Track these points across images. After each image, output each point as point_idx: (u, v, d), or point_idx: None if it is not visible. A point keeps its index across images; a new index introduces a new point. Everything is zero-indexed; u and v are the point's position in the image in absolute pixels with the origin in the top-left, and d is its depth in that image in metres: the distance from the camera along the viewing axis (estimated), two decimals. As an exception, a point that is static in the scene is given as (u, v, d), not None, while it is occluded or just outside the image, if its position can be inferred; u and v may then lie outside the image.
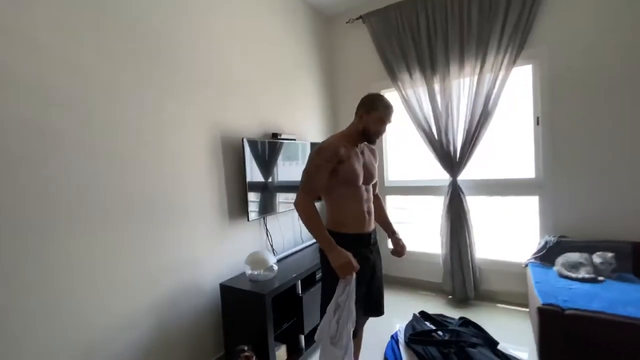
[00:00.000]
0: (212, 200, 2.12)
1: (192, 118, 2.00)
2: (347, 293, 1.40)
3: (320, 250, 1.53)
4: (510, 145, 2.78)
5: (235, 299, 1.97)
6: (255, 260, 2.01)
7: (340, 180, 1.49)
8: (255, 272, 2.02)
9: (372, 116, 1.52)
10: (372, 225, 1.63)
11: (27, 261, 1.32)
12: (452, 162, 2.83)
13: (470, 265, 2.76)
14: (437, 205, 3.02)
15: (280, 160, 2.53)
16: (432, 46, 2.81)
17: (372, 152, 1.72)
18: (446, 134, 2.83)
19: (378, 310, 1.69)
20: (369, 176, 1.60)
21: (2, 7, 1.28)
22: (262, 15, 2.60)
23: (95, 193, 1.54)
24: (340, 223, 1.54)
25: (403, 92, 2.99)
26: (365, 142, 1.62)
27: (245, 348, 1.72)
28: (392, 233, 1.79)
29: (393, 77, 3.02)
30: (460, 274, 2.80)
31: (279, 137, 2.56)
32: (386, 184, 3.32)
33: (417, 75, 2.92)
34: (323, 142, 1.51)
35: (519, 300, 2.63)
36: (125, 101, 1.67)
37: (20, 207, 1.31)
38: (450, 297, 2.89)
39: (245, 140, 2.18)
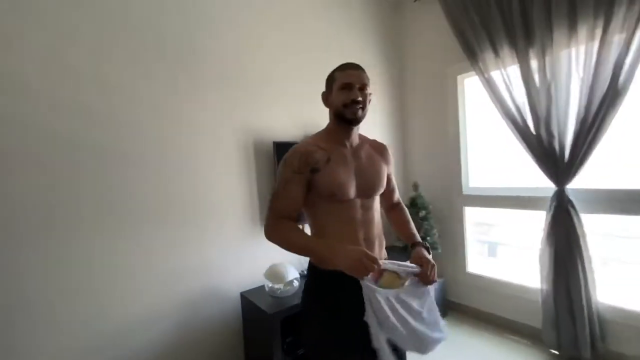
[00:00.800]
0: (244, 205, 2.03)
1: (222, 124, 1.96)
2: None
3: (304, 293, 1.16)
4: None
5: (251, 312, 1.82)
6: (273, 273, 1.81)
7: (319, 196, 1.10)
8: (275, 287, 1.82)
9: (334, 90, 1.13)
10: (379, 257, 1.08)
11: (76, 254, 1.46)
12: (558, 164, 2.04)
13: (586, 311, 1.92)
14: (536, 222, 2.24)
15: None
16: (526, 7, 2.08)
17: (380, 151, 1.27)
18: (547, 127, 2.06)
19: None
20: (367, 186, 1.15)
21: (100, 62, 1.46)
22: (307, 4, 2.41)
23: (132, 198, 1.64)
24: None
25: (486, 75, 2.32)
26: (366, 140, 1.26)
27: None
28: (412, 245, 1.21)
29: (473, 57, 2.38)
30: (570, 323, 1.98)
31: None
32: (465, 192, 2.66)
33: (505, 50, 2.22)
34: (291, 149, 1.13)
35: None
36: (164, 113, 1.75)
37: (84, 209, 1.50)
38: (556, 352, 2.08)
39: (274, 144, 2.03)
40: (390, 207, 1.39)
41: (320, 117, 2.27)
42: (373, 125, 2.81)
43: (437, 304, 2.62)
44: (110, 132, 1.59)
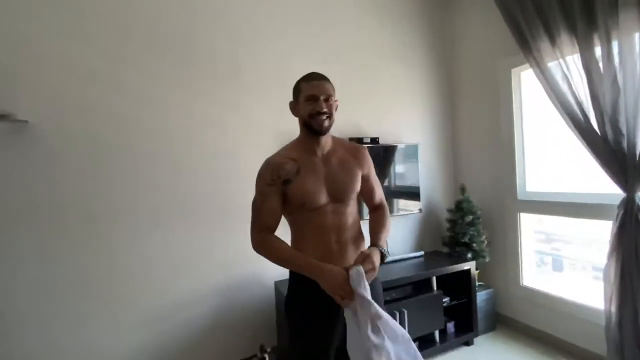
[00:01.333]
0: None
1: (258, 131, 2.19)
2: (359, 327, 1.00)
3: (287, 298, 1.23)
4: None
5: (281, 300, 2.01)
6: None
7: (291, 204, 1.16)
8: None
9: (300, 101, 1.17)
10: (349, 258, 1.15)
11: (136, 245, 1.86)
12: (627, 167, 1.74)
13: (657, 343, 1.61)
14: (602, 233, 1.94)
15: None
16: (586, -14, 1.81)
17: (354, 154, 1.27)
18: (614, 123, 1.77)
19: None
20: (337, 191, 1.17)
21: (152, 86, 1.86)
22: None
23: (179, 197, 1.97)
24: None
25: (542, 66, 2.08)
26: (342, 144, 1.28)
27: (268, 349, 1.72)
28: (370, 247, 1.19)
29: (526, 47, 2.15)
30: (636, 352, 1.68)
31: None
32: (520, 197, 2.42)
33: (563, 37, 1.96)
34: (264, 162, 1.20)
35: None
36: (212, 124, 2.06)
37: (142, 208, 1.88)
38: (620, 384, 1.79)
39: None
40: (372, 208, 1.37)
41: (349, 124, 2.37)
42: (422, 124, 2.76)
43: (486, 315, 2.49)
44: (165, 144, 1.96)
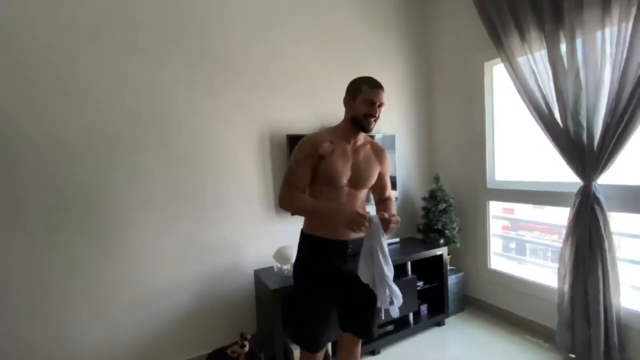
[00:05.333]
0: (260, 192, 2.23)
1: (246, 121, 2.17)
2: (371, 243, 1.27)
3: (298, 251, 1.46)
4: None
5: (260, 288, 2.03)
6: (280, 255, 1.99)
7: (319, 178, 1.36)
8: (283, 267, 2.01)
9: (357, 100, 1.35)
10: (352, 235, 1.36)
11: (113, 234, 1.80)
12: (585, 157, 1.88)
13: (603, 317, 1.79)
14: (561, 219, 2.09)
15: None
16: (555, -15, 1.91)
17: (377, 153, 1.50)
18: (575, 117, 1.90)
19: (360, 329, 1.46)
20: (358, 178, 1.39)
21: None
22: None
23: (160, 185, 1.93)
24: (309, 224, 1.43)
25: (511, 61, 2.18)
26: (369, 141, 1.51)
27: (248, 336, 1.74)
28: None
29: (498, 42, 2.24)
30: (585, 327, 1.86)
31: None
32: (489, 186, 2.55)
33: (533, 34, 2.06)
34: (307, 136, 1.40)
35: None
36: (199, 111, 2.01)
37: (131, 197, 1.80)
38: (572, 356, 1.97)
39: (287, 137, 2.19)
40: (380, 200, 1.58)
41: (331, 113, 2.38)
42: (398, 115, 2.81)
43: (456, 297, 2.66)
44: (153, 130, 1.90)
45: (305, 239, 1.43)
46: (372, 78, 1.38)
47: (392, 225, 1.27)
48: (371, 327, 1.46)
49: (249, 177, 2.20)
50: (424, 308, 2.45)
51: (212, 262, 2.08)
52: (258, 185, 2.23)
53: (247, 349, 1.67)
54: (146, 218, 1.90)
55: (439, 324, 2.45)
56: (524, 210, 2.56)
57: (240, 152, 2.17)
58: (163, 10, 1.92)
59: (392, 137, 2.65)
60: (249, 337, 1.75)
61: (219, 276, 2.10)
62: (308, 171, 1.34)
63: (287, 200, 1.34)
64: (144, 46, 1.88)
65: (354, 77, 1.42)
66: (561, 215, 2.09)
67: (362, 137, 1.44)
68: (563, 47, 1.93)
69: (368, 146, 1.48)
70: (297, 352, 1.87)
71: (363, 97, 1.33)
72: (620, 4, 1.66)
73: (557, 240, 2.36)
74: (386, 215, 1.29)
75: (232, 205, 2.14)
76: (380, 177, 1.50)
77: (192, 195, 2.02)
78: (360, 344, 1.56)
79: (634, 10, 1.61)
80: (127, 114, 1.85)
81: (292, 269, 1.94)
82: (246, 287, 2.19)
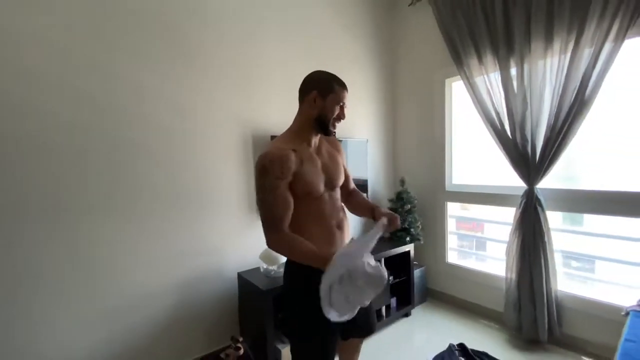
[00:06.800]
0: (242, 194, 2.21)
1: (226, 120, 2.13)
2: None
3: (286, 279, 1.27)
4: (621, 145, 2.03)
5: (247, 290, 2.02)
6: (268, 256, 2.00)
7: (296, 194, 1.17)
8: (269, 268, 2.02)
9: (329, 99, 1.19)
10: (347, 239, 1.30)
11: (87, 237, 1.63)
12: (529, 166, 2.24)
13: (546, 299, 2.14)
14: (509, 218, 2.44)
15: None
16: (509, 16, 2.22)
17: (333, 144, 1.38)
18: (522, 131, 2.25)
19: (364, 330, 1.37)
20: (332, 179, 1.27)
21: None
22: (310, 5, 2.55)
23: (140, 186, 1.81)
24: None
25: (470, 80, 2.49)
26: (321, 135, 1.31)
27: (240, 339, 1.73)
28: (374, 209, 1.36)
29: (459, 62, 2.55)
30: (531, 308, 2.20)
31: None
32: (447, 188, 2.86)
33: (488, 57, 2.39)
34: (264, 155, 1.13)
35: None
36: (175, 108, 1.89)
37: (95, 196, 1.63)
38: (517, 334, 2.31)
39: (272, 138, 2.18)
40: (348, 194, 1.48)
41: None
42: (369, 120, 2.99)
43: (419, 289, 2.84)
44: (122, 126, 1.76)
45: (299, 271, 1.18)
46: (336, 75, 1.23)
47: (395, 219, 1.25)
48: (373, 324, 1.41)
49: (231, 181, 2.16)
50: (393, 301, 2.64)
51: (192, 266, 2.01)
52: (241, 188, 2.21)
53: (242, 351, 1.66)
54: (122, 223, 1.77)
55: (407, 314, 2.67)
56: (477, 210, 2.92)
57: (222, 153, 2.13)
58: (141, 9, 1.82)
59: (365, 143, 2.81)
60: (241, 339, 1.74)
61: (200, 280, 2.04)
62: (287, 192, 1.13)
63: (282, 249, 1.15)
64: (126, 45, 1.76)
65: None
66: (509, 214, 2.44)
67: (317, 135, 1.29)
68: (513, 70, 2.28)
69: (325, 142, 1.35)
70: (284, 351, 1.90)
71: (336, 97, 1.18)
72: (560, 39, 2.03)
73: (505, 235, 2.73)
74: (385, 218, 1.24)
75: (214, 209, 2.09)
76: (344, 168, 1.40)
77: (174, 198, 1.94)
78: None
79: (571, 45, 1.98)
80: (103, 112, 1.71)
81: (278, 270, 1.99)
82: (230, 291, 2.15)
